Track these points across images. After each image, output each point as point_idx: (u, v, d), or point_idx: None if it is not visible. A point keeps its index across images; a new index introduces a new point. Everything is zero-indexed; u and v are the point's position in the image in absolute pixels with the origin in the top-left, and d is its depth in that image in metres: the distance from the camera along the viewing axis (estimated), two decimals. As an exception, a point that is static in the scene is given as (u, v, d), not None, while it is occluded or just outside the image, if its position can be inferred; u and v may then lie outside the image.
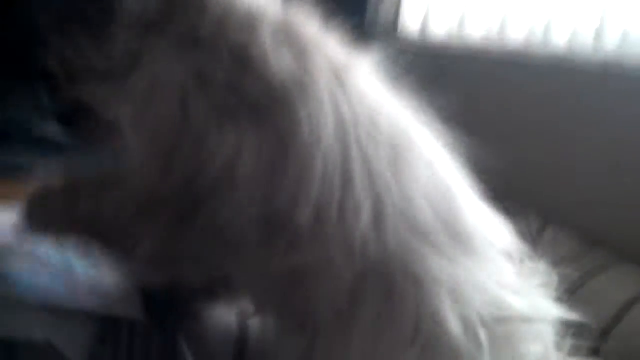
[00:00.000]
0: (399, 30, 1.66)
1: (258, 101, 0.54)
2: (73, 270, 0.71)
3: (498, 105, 1.46)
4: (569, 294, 0.65)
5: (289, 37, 0.57)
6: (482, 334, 0.55)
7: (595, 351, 0.68)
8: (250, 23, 0.57)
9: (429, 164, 0.61)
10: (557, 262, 0.66)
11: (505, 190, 0.67)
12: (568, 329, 0.62)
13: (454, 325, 0.55)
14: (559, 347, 0.61)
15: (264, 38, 0.56)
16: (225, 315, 0.70)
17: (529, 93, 1.44)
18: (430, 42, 1.63)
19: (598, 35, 1.38)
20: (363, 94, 0.59)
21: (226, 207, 0.55)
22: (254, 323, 0.69)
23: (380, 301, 0.56)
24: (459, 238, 0.59)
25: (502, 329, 0.57)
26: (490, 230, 0.63)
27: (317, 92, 0.55)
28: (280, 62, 0.55)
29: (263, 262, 0.57)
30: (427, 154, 0.62)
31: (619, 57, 1.36)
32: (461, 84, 1.36)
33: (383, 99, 0.62)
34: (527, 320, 0.59)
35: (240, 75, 0.54)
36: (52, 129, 0.64)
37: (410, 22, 1.67)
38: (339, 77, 0.58)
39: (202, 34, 0.55)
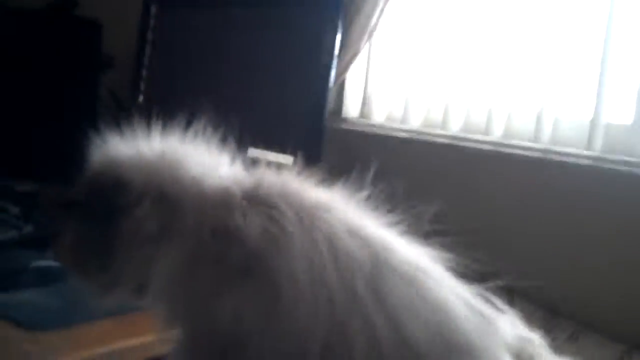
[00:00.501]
0: (342, 115, 1.69)
1: (242, 264, 0.61)
2: None
3: (439, 186, 1.50)
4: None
5: (258, 200, 0.64)
6: None
7: None
8: (222, 200, 0.64)
9: (412, 281, 0.63)
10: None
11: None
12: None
13: None
14: None
15: (236, 209, 0.63)
16: None
17: (466, 175, 1.50)
18: (371, 126, 1.67)
19: (537, 123, 1.44)
20: (334, 232, 0.63)
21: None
22: None
23: None
24: (457, 349, 0.61)
25: None
26: (489, 326, 0.64)
27: (289, 242, 0.61)
28: (253, 226, 0.62)
29: None
30: (407, 269, 0.63)
31: (554, 144, 1.44)
32: (401, 165, 1.40)
33: (356, 229, 0.64)
34: None
35: (223, 247, 0.62)
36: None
37: (353, 107, 1.71)
38: (309, 223, 0.63)
39: (186, 226, 0.64)
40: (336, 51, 1.38)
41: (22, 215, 1.18)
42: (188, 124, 0.72)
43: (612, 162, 1.37)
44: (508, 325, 0.65)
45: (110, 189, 0.66)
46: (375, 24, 1.51)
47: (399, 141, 1.61)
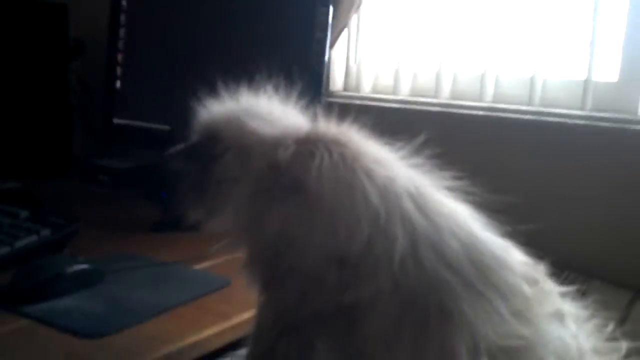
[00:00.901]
0: (329, 88, 1.68)
1: (287, 186, 0.75)
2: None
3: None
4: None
5: (303, 140, 0.77)
6: None
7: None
8: (277, 142, 0.78)
9: (450, 209, 0.74)
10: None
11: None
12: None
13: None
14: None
15: (283, 147, 0.77)
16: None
17: (459, 141, 1.51)
18: (360, 97, 1.67)
19: (529, 85, 1.47)
20: (375, 169, 0.74)
21: (299, 257, 0.73)
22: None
23: (417, 334, 0.67)
24: (480, 267, 0.69)
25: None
26: (507, 256, 0.73)
27: (320, 168, 0.73)
28: (292, 158, 0.76)
29: (330, 298, 0.71)
30: (445, 200, 0.75)
31: (546, 106, 1.47)
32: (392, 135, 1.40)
33: (395, 168, 0.76)
34: (530, 348, 0.68)
35: (273, 176, 0.76)
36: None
37: (339, 80, 1.71)
38: (345, 159, 0.74)
39: (252, 167, 0.79)
40: (329, 26, 1.37)
41: (33, 218, 1.13)
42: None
43: (603, 119, 1.41)
44: (517, 254, 0.75)
45: (207, 141, 0.82)
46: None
47: (388, 111, 1.61)
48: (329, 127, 0.80)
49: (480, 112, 1.51)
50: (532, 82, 1.47)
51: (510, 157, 1.47)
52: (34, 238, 1.04)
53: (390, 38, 1.64)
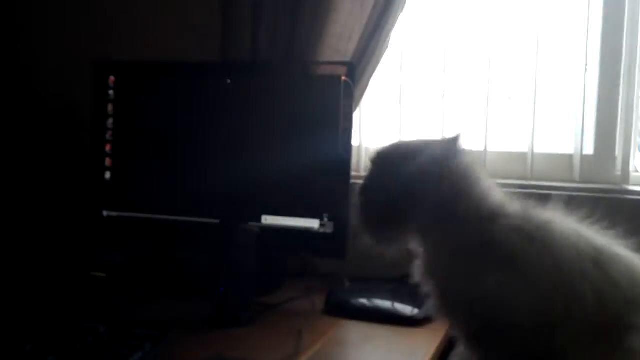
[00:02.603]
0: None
1: (501, 260, 0.92)
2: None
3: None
4: None
5: (515, 220, 0.95)
6: None
7: None
8: (491, 216, 0.96)
9: (628, 263, 0.92)
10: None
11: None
12: None
13: None
14: None
15: (498, 226, 0.94)
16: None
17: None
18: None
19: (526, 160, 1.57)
20: (564, 235, 0.93)
21: (511, 314, 0.90)
22: None
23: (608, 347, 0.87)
24: None
25: None
26: None
27: (532, 249, 0.92)
28: (509, 239, 0.93)
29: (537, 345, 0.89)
30: (622, 253, 0.93)
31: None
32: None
33: (578, 231, 0.95)
34: None
35: (488, 250, 0.93)
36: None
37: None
38: (547, 236, 0.93)
39: (460, 226, 0.96)
40: (354, 113, 1.42)
41: (114, 331, 1.06)
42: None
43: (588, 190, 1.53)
44: None
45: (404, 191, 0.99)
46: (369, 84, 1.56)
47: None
48: (531, 209, 0.97)
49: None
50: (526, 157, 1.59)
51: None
52: (139, 355, 0.98)
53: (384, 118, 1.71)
